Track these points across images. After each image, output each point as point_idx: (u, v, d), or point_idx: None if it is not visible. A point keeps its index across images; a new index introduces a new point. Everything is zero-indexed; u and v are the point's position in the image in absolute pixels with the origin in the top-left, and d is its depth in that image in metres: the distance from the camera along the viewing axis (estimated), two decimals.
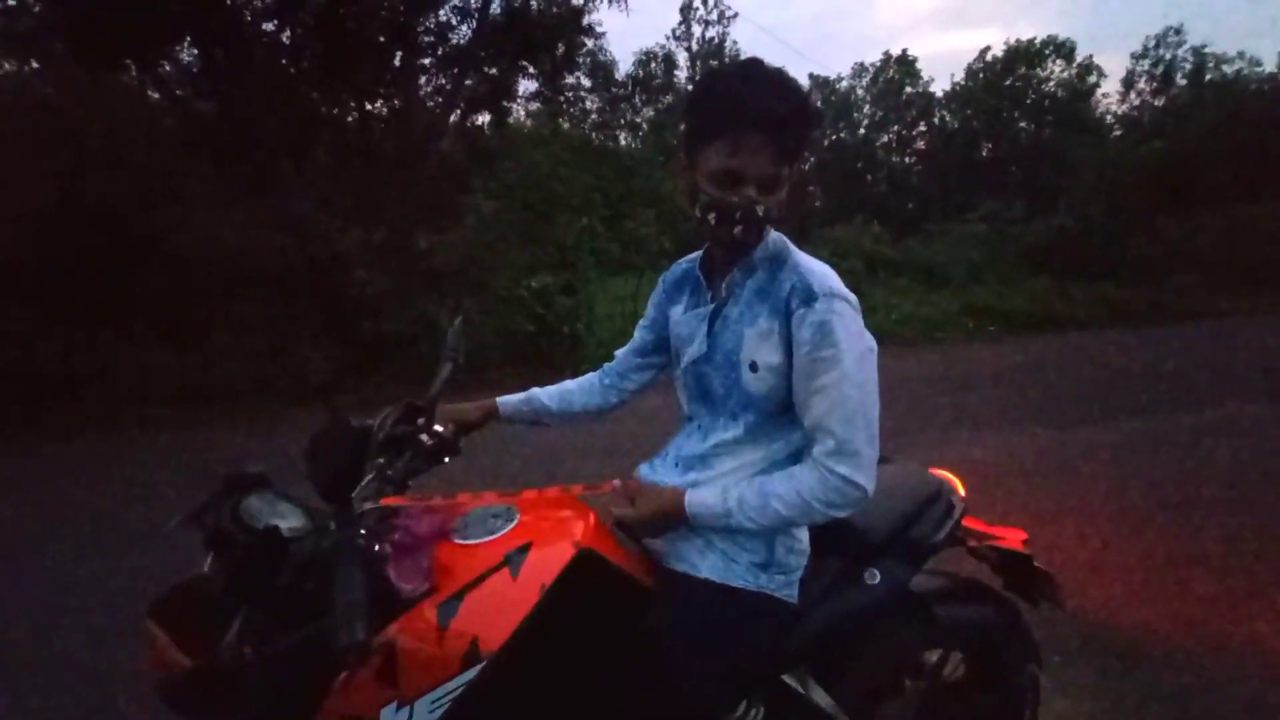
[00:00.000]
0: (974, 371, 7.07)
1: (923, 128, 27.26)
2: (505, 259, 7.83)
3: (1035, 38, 25.63)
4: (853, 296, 1.02)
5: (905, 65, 26.54)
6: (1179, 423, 4.72)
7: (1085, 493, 3.45)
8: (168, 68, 8.81)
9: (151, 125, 8.10)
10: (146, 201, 6.51)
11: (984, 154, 25.85)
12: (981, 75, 25.87)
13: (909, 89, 26.56)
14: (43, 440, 5.12)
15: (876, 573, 1.18)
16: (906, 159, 27.80)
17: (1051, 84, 25.46)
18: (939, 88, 26.59)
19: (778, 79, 0.96)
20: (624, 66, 22.53)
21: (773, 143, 0.95)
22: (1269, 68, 23.69)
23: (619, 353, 1.37)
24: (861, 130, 27.27)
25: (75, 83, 7.10)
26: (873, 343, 1.02)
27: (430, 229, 7.76)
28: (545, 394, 1.36)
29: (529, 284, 7.65)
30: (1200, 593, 2.47)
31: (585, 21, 9.78)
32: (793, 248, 1.09)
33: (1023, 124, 25.73)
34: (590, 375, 1.39)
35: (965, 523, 1.41)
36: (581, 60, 10.90)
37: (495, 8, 9.11)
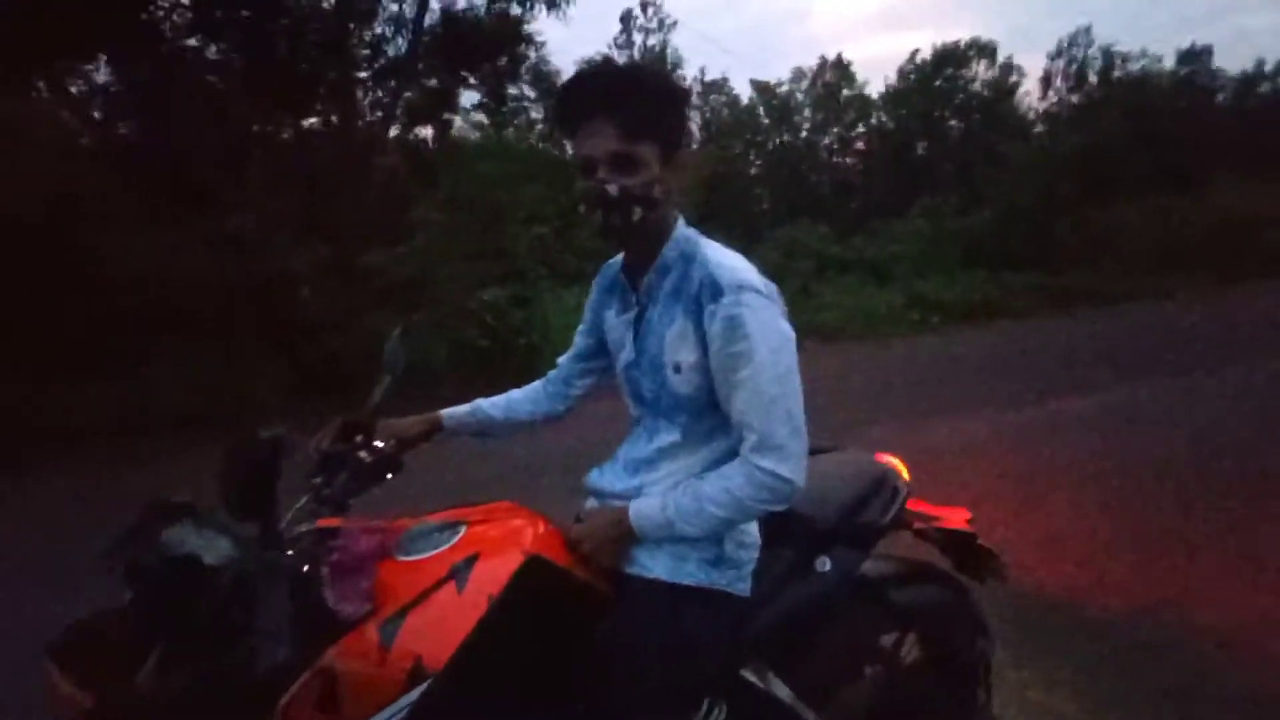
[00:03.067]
0: (919, 361, 7.35)
1: (861, 129, 28.20)
2: (455, 272, 7.70)
3: (960, 40, 26.92)
4: (767, 286, 1.02)
5: (841, 69, 27.43)
6: (1110, 399, 5.00)
7: (1031, 468, 3.61)
8: (83, 86, 8.35)
9: (65, 145, 7.65)
10: (63, 225, 6.13)
11: (919, 152, 26.93)
12: (912, 76, 26.99)
13: (846, 91, 27.45)
14: None
15: (827, 560, 1.20)
16: (848, 160, 28.70)
17: (977, 84, 26.79)
18: (875, 90, 27.60)
19: (609, 67, 1.01)
20: (567, 75, 22.55)
21: (611, 122, 0.96)
22: (1169, 64, 25.61)
23: (561, 359, 1.36)
24: (804, 133, 28.01)
25: None
26: (790, 332, 1.02)
27: (377, 244, 7.56)
28: (490, 404, 1.34)
29: (480, 297, 7.55)
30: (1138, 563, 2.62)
31: (525, 31, 9.76)
32: (704, 243, 1.08)
33: (953, 122, 26.95)
34: (536, 383, 1.38)
35: (910, 505, 1.45)
36: (524, 70, 10.85)
37: (432, 18, 9.00)
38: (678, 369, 1.03)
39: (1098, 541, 2.77)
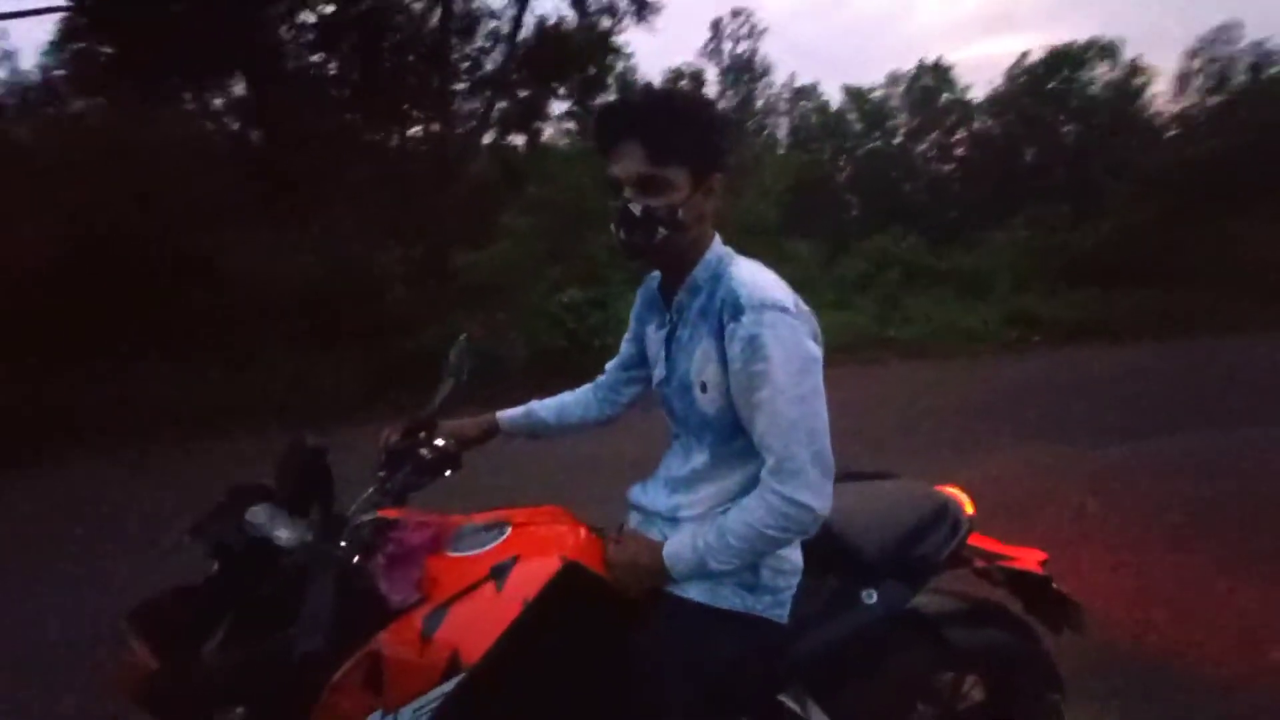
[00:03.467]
0: (1010, 382, 6.82)
1: (961, 134, 26.68)
2: (537, 275, 7.98)
3: (1074, 41, 24.86)
4: (793, 305, 1.00)
5: (940, 72, 26.09)
6: (1221, 440, 4.42)
7: (1118, 512, 3.26)
8: (220, 102, 9.35)
9: (208, 154, 8.61)
10: (200, 226, 6.90)
11: (1027, 159, 25.11)
12: (1021, 79, 25.22)
13: (945, 96, 26.08)
14: (94, 453, 5.42)
15: (874, 593, 1.15)
16: (945, 167, 27.23)
17: (1096, 86, 24.63)
18: (977, 93, 26.04)
19: (647, 91, 1.02)
20: (657, 86, 22.88)
21: (641, 145, 0.98)
22: None
23: (609, 365, 1.38)
24: (897, 139, 26.86)
25: (139, 116, 7.62)
26: (815, 353, 1.00)
27: (465, 247, 7.98)
28: (543, 407, 1.38)
29: (560, 299, 7.77)
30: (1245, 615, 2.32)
31: (613, 42, 10.00)
32: (736, 261, 1.08)
33: (1067, 127, 24.92)
34: (587, 387, 1.41)
35: (979, 542, 1.37)
36: (611, 80, 11.10)
37: (526, 31, 9.41)
38: (704, 388, 1.03)
39: (1196, 602, 2.47)
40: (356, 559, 0.93)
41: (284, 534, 0.93)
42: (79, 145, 7.92)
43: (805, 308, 1.03)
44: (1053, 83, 24.61)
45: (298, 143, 8.13)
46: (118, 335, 6.45)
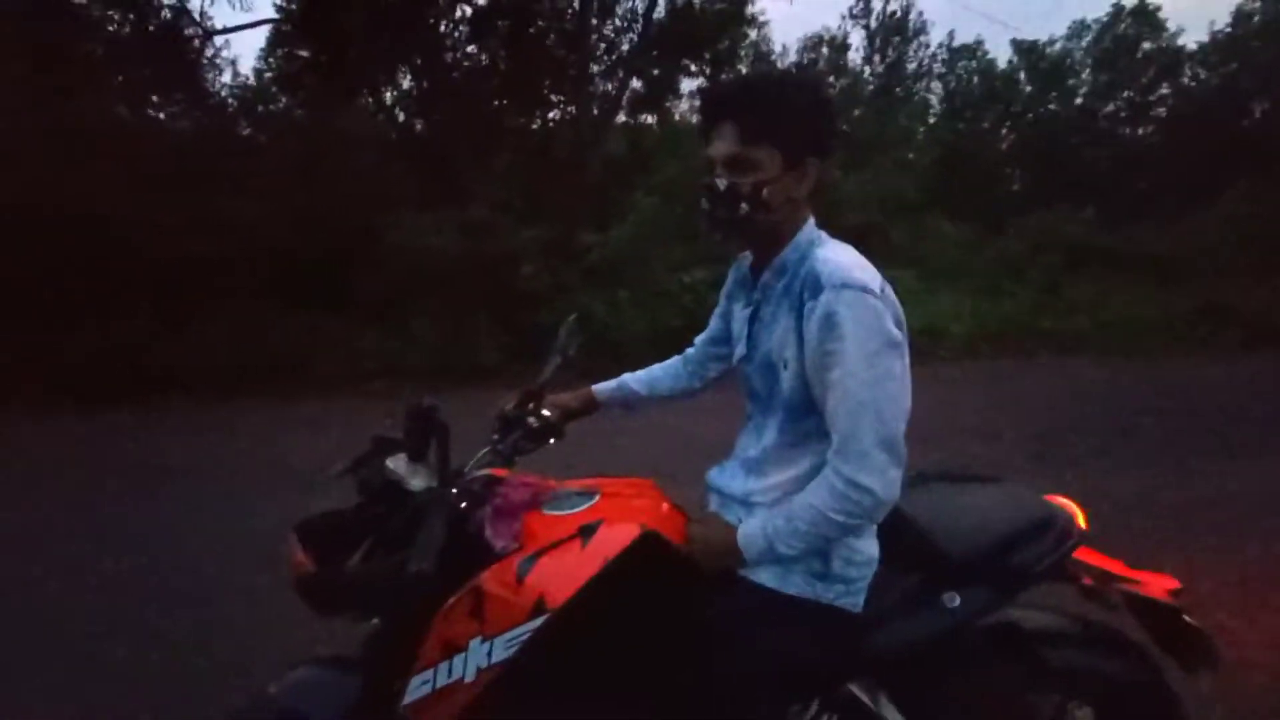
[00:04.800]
0: (1190, 389, 5.82)
1: (1165, 90, 22.52)
2: (662, 254, 8.12)
3: None
4: (878, 287, 0.98)
5: (1143, 16, 22.12)
6: None
7: None
8: (392, 94, 10.41)
9: (382, 143, 9.75)
10: (371, 206, 7.88)
11: (1257, 115, 20.66)
12: (1255, 18, 20.67)
13: (1147, 45, 22.11)
14: (277, 401, 6.46)
15: (957, 596, 1.11)
16: (1140, 130, 23.22)
17: None
18: (1191, 39, 21.72)
19: (749, 75, 1.03)
20: (794, 54, 21.78)
21: (735, 125, 1.03)
22: None
23: (698, 339, 1.43)
24: (1079, 99, 23.31)
25: (327, 108, 8.79)
26: (896, 337, 0.97)
27: (593, 227, 8.30)
28: (635, 380, 1.47)
29: (681, 279, 7.86)
30: None
31: (748, 13, 9.71)
32: (824, 240, 1.08)
33: None
34: (675, 359, 1.48)
35: (1099, 561, 1.27)
36: (744, 52, 10.79)
37: (659, 11, 9.42)
38: (785, 365, 1.05)
39: None
40: (464, 505, 1.09)
41: (413, 480, 1.12)
42: (284, 139, 9.35)
43: (891, 293, 1.02)
44: None
45: (451, 130, 8.90)
46: (300, 301, 7.62)
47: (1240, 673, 1.95)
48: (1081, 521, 1.22)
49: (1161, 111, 22.75)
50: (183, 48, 9.60)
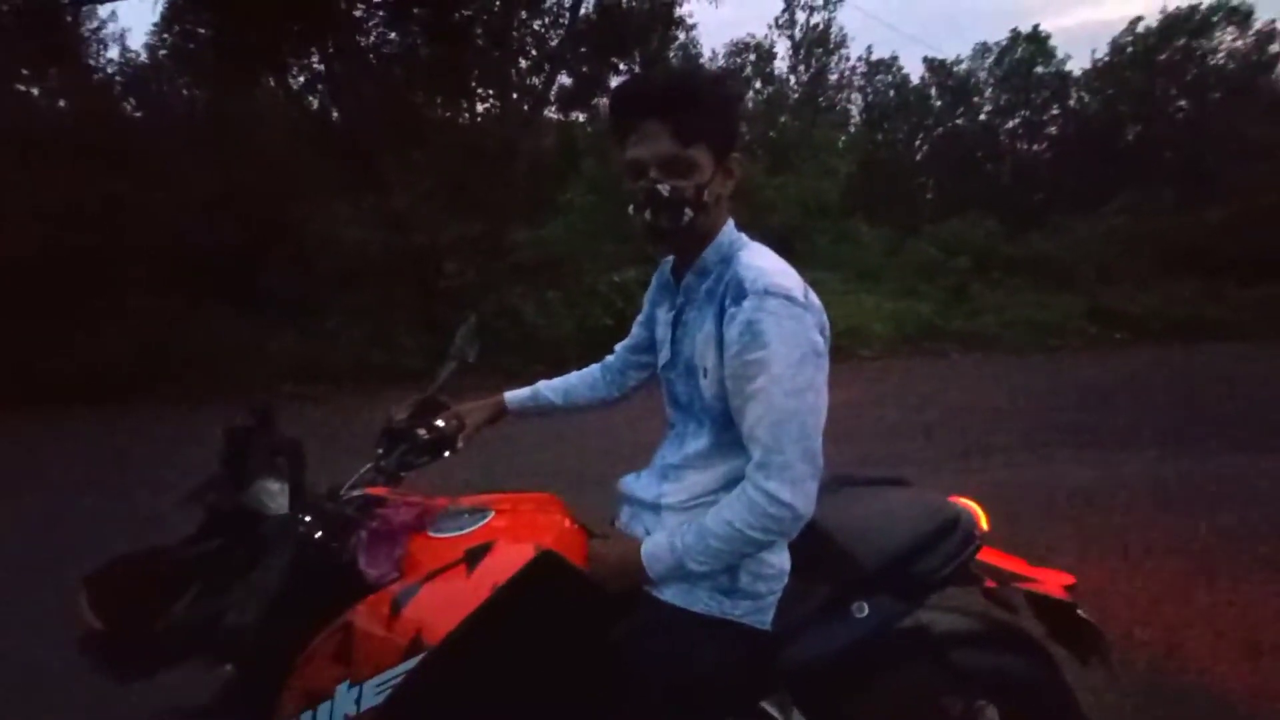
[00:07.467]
0: (1088, 384, 6.33)
1: (1055, 111, 24.57)
2: (589, 253, 8.01)
3: (1200, 2, 22.25)
4: (801, 294, 0.95)
5: (1036, 43, 24.02)
6: None
7: (1185, 532, 2.97)
8: (301, 80, 9.77)
9: (290, 130, 9.10)
10: (282, 196, 7.33)
11: (1130, 138, 22.88)
12: (1129, 49, 22.89)
13: (1039, 69, 24.03)
14: (179, 404, 5.91)
15: (866, 606, 1.08)
16: (1034, 146, 25.21)
17: (1219, 56, 22.04)
18: (1076, 65, 23.81)
19: (667, 71, 0.98)
20: (722, 60, 22.20)
21: (667, 125, 0.96)
22: None
23: (618, 347, 1.37)
24: (982, 116, 25.04)
25: (228, 89, 8.12)
26: (819, 346, 0.95)
27: (522, 224, 8.09)
28: (550, 388, 1.39)
29: (611, 278, 7.78)
30: None
31: (676, 14, 9.76)
32: (747, 245, 1.04)
33: (1181, 102, 22.48)
34: (594, 368, 1.41)
35: (1000, 560, 1.28)
36: (673, 54, 10.85)
37: (587, 7, 9.31)
38: (705, 373, 1.00)
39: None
40: (321, 534, 0.94)
41: (274, 504, 0.96)
42: (180, 121, 8.56)
43: (815, 299, 0.99)
44: (1165, 52, 22.21)
45: (367, 118, 8.43)
46: (208, 297, 6.99)
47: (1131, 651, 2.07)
48: (984, 522, 1.22)
49: (1053, 130, 24.81)
50: (55, 18, 8.61)
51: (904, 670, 1.19)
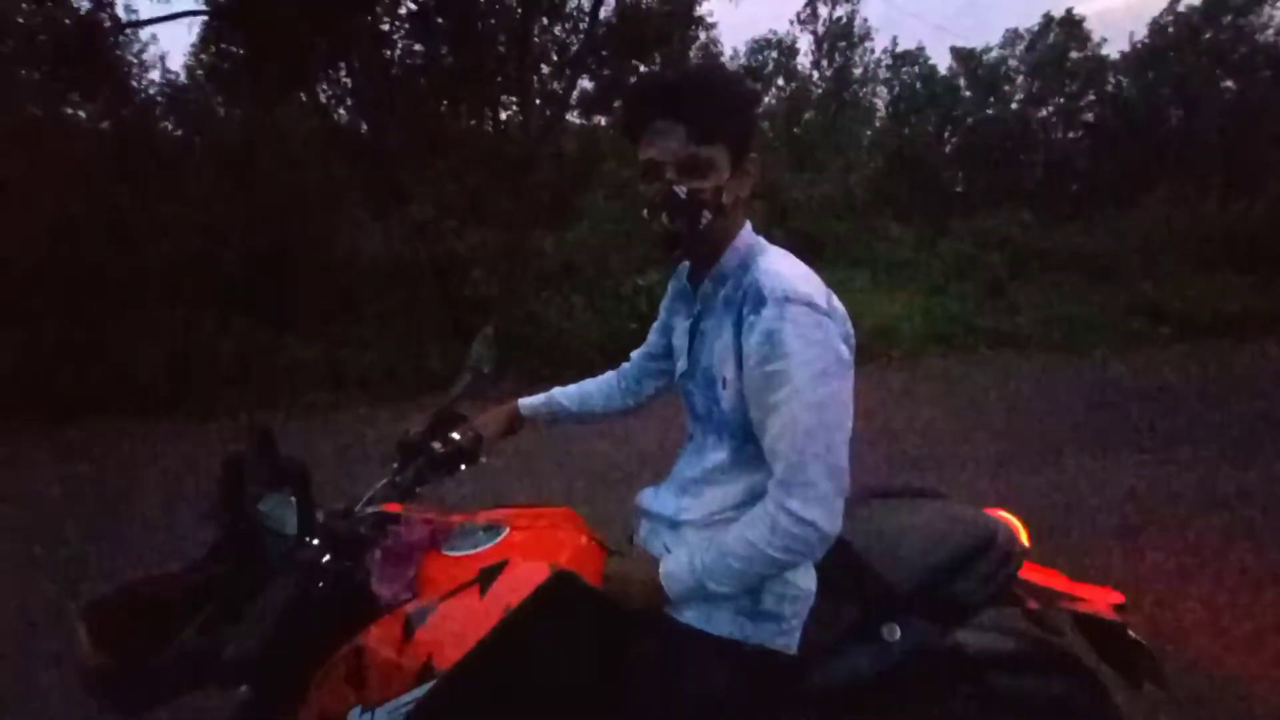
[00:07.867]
0: (1134, 383, 6.05)
1: (1091, 97, 23.74)
2: (617, 257, 8.01)
3: None
4: (824, 300, 0.90)
5: (1069, 27, 23.28)
6: None
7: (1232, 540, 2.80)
8: (327, 92, 9.98)
9: (319, 141, 9.32)
10: (311, 208, 7.50)
11: (1172, 124, 21.96)
12: (1171, 30, 22.00)
13: (1074, 54, 23.26)
14: (214, 417, 6.05)
15: (897, 628, 1.03)
16: (1070, 135, 24.40)
17: (1269, 34, 21.02)
18: (1114, 49, 22.98)
19: (680, 68, 0.93)
20: (743, 58, 22.03)
21: (680, 124, 0.93)
22: None
23: (635, 354, 1.34)
24: (1014, 105, 24.34)
25: (261, 105, 8.35)
26: (844, 356, 0.90)
27: (545, 230, 8.13)
28: (565, 395, 1.36)
29: (636, 281, 7.76)
30: None
31: (696, 13, 9.71)
32: (766, 250, 0.99)
33: (1228, 83, 21.48)
34: (610, 375, 1.38)
35: (1043, 578, 1.21)
36: (694, 54, 10.79)
37: (607, 10, 9.34)
38: (724, 384, 0.96)
39: None
40: (329, 559, 0.92)
41: (289, 524, 0.95)
42: (217, 138, 8.84)
43: (839, 305, 0.94)
44: (1211, 32, 21.26)
45: (394, 130, 8.57)
46: (239, 310, 7.18)
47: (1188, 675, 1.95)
48: (1024, 538, 1.16)
49: (1089, 118, 23.97)
50: (98, 41, 8.96)
51: (939, 695, 1.13)
